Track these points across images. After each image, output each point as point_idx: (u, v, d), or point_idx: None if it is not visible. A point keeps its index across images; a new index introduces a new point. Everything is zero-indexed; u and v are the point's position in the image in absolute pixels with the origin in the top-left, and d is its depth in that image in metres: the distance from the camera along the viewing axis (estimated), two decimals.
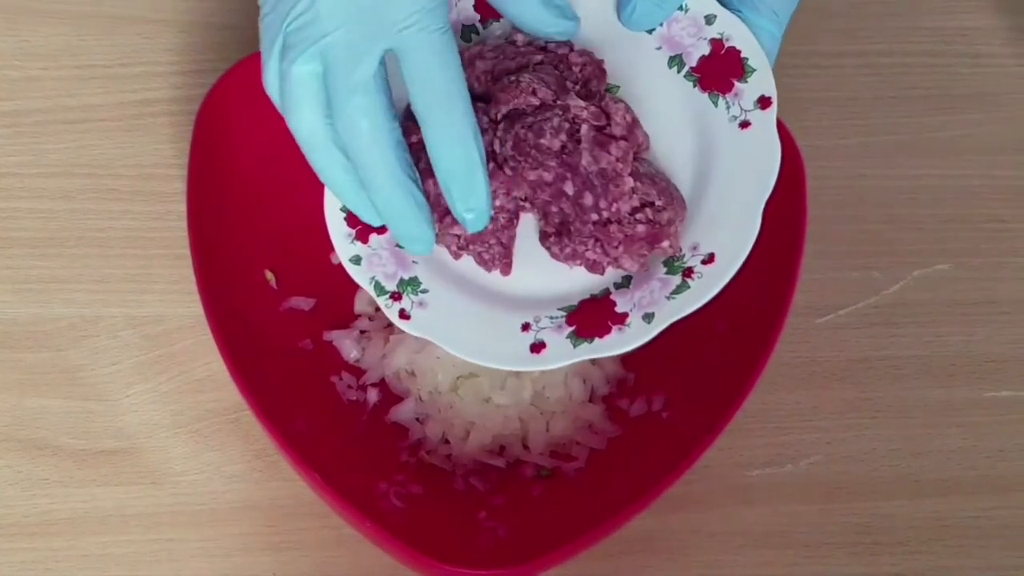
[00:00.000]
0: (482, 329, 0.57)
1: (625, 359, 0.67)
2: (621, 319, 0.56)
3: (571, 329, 0.57)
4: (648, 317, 0.56)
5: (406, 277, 0.58)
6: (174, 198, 0.70)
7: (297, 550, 0.63)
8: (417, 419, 0.65)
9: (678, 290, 0.56)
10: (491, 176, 0.55)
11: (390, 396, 0.66)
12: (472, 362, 0.57)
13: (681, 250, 0.57)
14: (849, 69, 0.79)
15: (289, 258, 0.65)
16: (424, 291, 0.58)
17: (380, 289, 0.58)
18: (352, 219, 0.58)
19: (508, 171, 0.56)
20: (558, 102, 0.56)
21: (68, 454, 0.64)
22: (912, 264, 0.72)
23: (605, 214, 0.56)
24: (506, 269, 0.58)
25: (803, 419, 0.68)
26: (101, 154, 0.72)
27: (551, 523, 0.59)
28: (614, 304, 0.57)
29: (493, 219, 0.56)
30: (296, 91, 0.53)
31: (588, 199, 0.56)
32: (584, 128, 0.55)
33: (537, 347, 0.56)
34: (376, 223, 0.56)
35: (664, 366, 0.65)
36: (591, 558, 0.60)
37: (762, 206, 0.56)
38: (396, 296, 0.58)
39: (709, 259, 0.56)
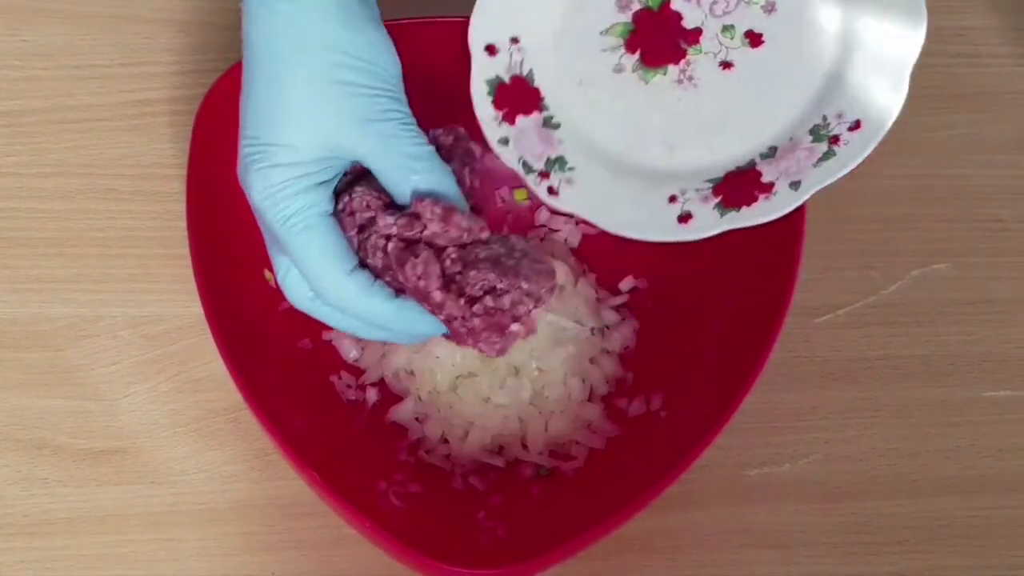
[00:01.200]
0: (629, 203, 0.59)
1: (624, 359, 0.67)
2: (767, 188, 0.58)
3: (717, 200, 0.58)
4: (795, 185, 0.57)
5: (553, 156, 0.60)
6: (174, 198, 0.70)
7: (297, 550, 0.63)
8: (416, 419, 0.65)
9: (825, 157, 0.58)
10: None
11: (389, 396, 0.66)
12: (621, 235, 0.59)
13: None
14: None
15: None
16: (571, 168, 0.60)
17: (528, 168, 0.59)
18: (500, 101, 0.60)
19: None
20: (376, 219, 0.55)
21: (68, 454, 0.64)
22: (910, 264, 0.73)
23: (441, 316, 0.55)
24: (502, 347, 0.56)
25: (801, 419, 0.68)
26: (101, 154, 0.72)
27: (550, 522, 0.59)
28: (760, 174, 0.58)
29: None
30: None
31: (426, 304, 0.55)
32: (391, 246, 0.55)
33: (684, 218, 0.58)
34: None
35: (663, 366, 0.65)
36: (590, 557, 0.60)
37: (909, 69, 0.57)
38: (544, 175, 0.59)
39: (855, 126, 0.58)
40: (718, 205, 0.59)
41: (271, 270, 0.65)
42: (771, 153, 0.59)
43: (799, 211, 0.61)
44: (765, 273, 0.61)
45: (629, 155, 0.61)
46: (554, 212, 0.70)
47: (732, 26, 0.59)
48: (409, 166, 0.54)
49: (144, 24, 0.76)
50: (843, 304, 0.71)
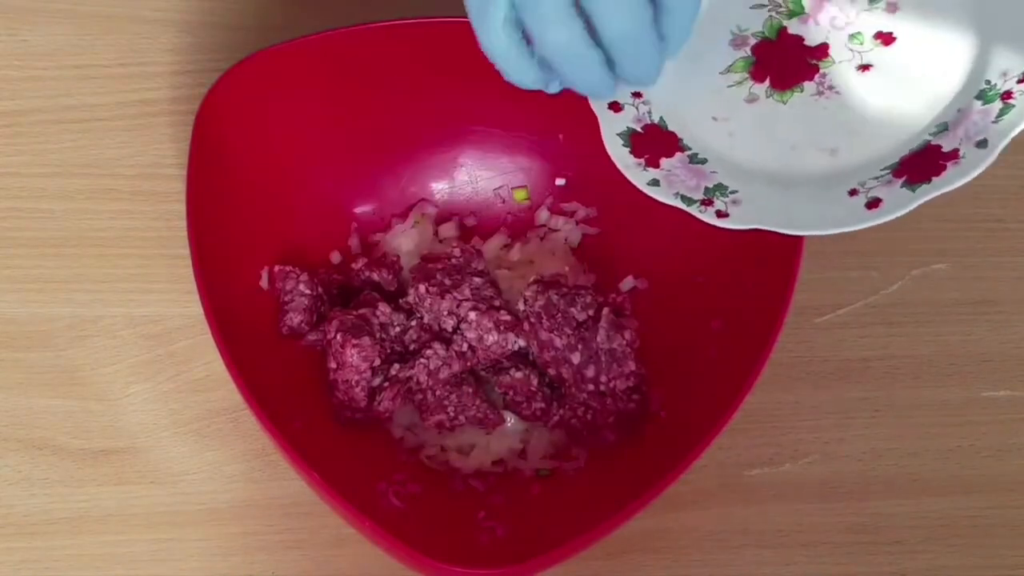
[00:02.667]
0: (808, 207, 0.57)
1: None
2: (953, 156, 0.56)
3: (902, 180, 0.56)
4: (981, 144, 0.56)
5: (711, 185, 0.59)
6: (174, 198, 0.70)
7: (297, 550, 0.63)
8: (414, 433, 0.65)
9: (1002, 112, 0.56)
10: (506, 325, 0.63)
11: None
12: (811, 235, 0.57)
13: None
14: None
15: (289, 258, 0.65)
16: (733, 191, 0.59)
17: (688, 200, 0.58)
18: (637, 149, 0.60)
19: (526, 325, 0.63)
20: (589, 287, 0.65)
21: (68, 454, 0.64)
22: (910, 264, 0.73)
23: (603, 387, 0.62)
24: (498, 418, 0.63)
25: (801, 418, 0.68)
26: (101, 154, 0.72)
27: (550, 523, 0.59)
28: (939, 147, 0.57)
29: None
30: (493, 16, 0.54)
31: (591, 371, 0.62)
32: (605, 310, 0.63)
33: (872, 204, 0.56)
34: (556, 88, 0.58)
35: (663, 366, 0.65)
36: (590, 557, 0.60)
37: None
38: (707, 202, 0.58)
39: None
40: (905, 184, 0.56)
41: (270, 269, 0.65)
42: (942, 129, 0.57)
43: None
44: (765, 273, 0.61)
45: (789, 169, 0.59)
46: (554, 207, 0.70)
47: (859, 32, 0.59)
48: None
49: (144, 24, 0.76)
50: (843, 304, 0.71)
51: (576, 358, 0.62)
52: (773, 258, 0.61)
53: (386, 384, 0.62)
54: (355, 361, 0.62)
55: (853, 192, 0.57)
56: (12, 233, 0.70)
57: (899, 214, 0.56)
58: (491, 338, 0.62)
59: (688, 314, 0.65)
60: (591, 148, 0.69)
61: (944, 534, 0.66)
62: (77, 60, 0.74)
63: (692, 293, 0.66)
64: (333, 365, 0.62)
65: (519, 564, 0.55)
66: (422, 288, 0.63)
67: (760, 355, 0.58)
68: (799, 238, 0.60)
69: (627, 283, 0.68)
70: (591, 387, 0.62)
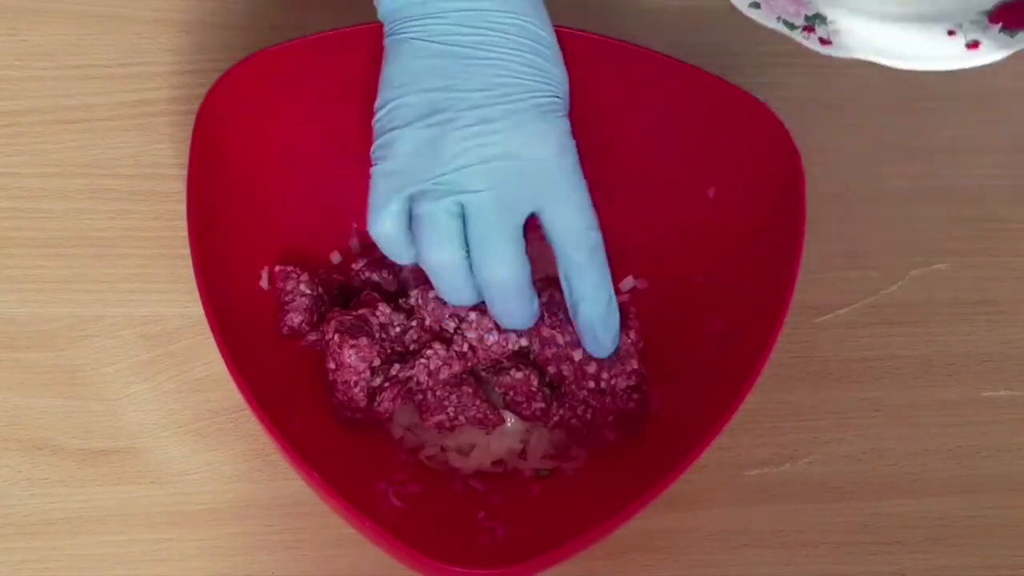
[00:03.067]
0: (908, 42, 0.58)
1: None
2: None
3: (998, 26, 0.56)
4: None
5: (810, 13, 0.59)
6: (174, 198, 0.70)
7: (297, 550, 0.63)
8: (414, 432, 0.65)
9: None
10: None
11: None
12: (908, 68, 0.57)
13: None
14: (848, 69, 0.79)
15: (289, 258, 0.65)
16: (833, 22, 0.58)
17: (791, 26, 0.58)
18: None
19: None
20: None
21: (68, 454, 0.64)
22: (910, 264, 0.73)
23: (603, 384, 0.62)
24: (498, 418, 0.63)
25: (801, 418, 0.68)
26: (100, 154, 0.72)
27: (550, 523, 0.59)
28: None
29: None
30: (439, 228, 0.58)
31: (592, 367, 0.62)
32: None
33: (972, 45, 0.56)
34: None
35: (663, 366, 0.65)
36: (590, 558, 0.60)
37: None
38: (809, 28, 0.58)
39: None
40: (1002, 30, 0.57)
41: (270, 270, 0.65)
42: None
43: (799, 210, 0.61)
44: (765, 273, 0.61)
45: (887, 5, 0.59)
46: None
47: None
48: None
49: (144, 24, 0.76)
50: (843, 304, 0.71)
51: (578, 355, 0.62)
52: (773, 258, 0.61)
53: (386, 385, 0.62)
54: (353, 361, 0.62)
55: (951, 32, 0.57)
56: (12, 233, 0.70)
57: (998, 57, 0.56)
58: (492, 338, 0.62)
59: (688, 314, 0.65)
60: (591, 148, 0.69)
61: (944, 534, 0.66)
62: (77, 60, 0.74)
63: (692, 293, 0.66)
64: (332, 366, 0.62)
65: (519, 564, 0.55)
66: (430, 293, 0.63)
67: (760, 355, 0.58)
68: (800, 238, 0.60)
69: (627, 283, 0.68)
70: (592, 384, 0.62)
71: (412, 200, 0.59)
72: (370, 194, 0.60)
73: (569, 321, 0.62)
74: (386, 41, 0.61)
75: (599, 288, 0.61)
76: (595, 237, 0.60)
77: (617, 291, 0.67)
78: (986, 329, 0.71)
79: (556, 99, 0.61)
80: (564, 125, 0.61)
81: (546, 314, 0.63)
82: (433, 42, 0.59)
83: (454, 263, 0.59)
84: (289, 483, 0.64)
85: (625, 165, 0.68)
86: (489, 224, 0.59)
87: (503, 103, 0.59)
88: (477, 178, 0.58)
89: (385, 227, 0.60)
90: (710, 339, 0.63)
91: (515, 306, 0.61)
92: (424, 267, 0.61)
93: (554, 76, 0.61)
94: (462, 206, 0.58)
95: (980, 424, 0.68)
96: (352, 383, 0.62)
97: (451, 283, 0.60)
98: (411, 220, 0.60)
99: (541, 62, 0.60)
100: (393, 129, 0.59)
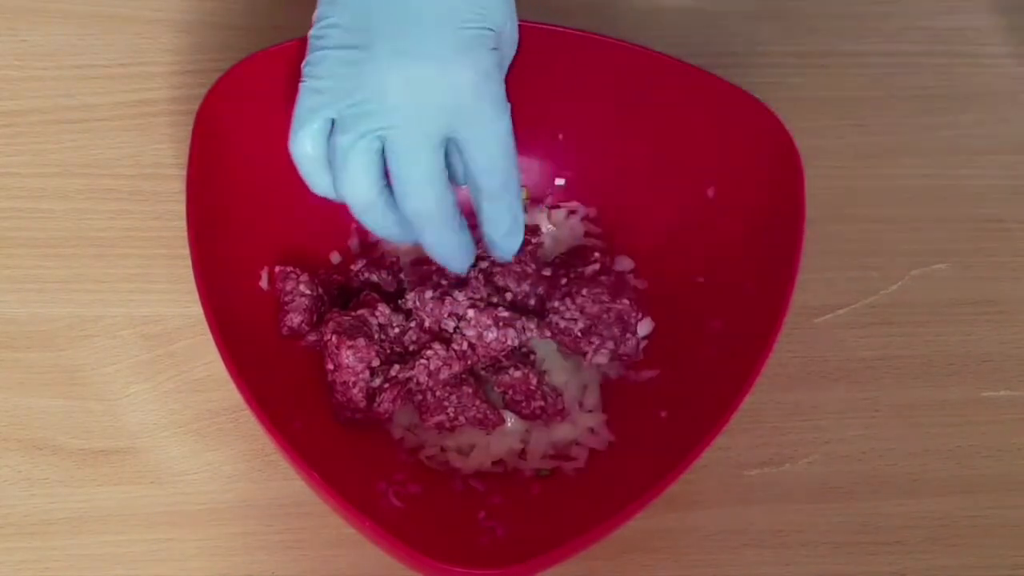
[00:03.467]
0: None
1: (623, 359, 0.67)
2: None
3: None
4: None
5: None
6: (174, 198, 0.70)
7: (297, 550, 0.63)
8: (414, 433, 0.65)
9: None
10: (505, 321, 0.63)
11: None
12: None
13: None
14: (848, 69, 0.79)
15: (289, 258, 0.65)
16: None
17: None
18: None
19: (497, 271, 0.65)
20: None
21: (68, 454, 0.64)
22: (910, 264, 0.73)
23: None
24: (498, 418, 0.63)
25: (801, 419, 0.68)
26: (100, 154, 0.72)
27: (550, 523, 0.59)
28: None
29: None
30: (356, 163, 0.58)
31: (564, 281, 0.66)
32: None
33: None
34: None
35: (663, 365, 0.65)
36: (590, 557, 0.60)
37: None
38: None
39: None
40: None
41: (270, 270, 0.65)
42: None
43: (799, 210, 0.61)
44: (765, 273, 0.61)
45: None
46: (554, 207, 0.70)
47: None
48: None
49: (144, 24, 0.76)
50: (843, 304, 0.71)
51: (548, 271, 0.65)
52: (773, 258, 0.61)
53: (386, 386, 0.62)
54: (351, 362, 0.62)
55: None
56: (12, 233, 0.70)
57: None
58: (491, 335, 0.62)
59: (688, 314, 0.65)
60: (591, 148, 0.69)
61: (944, 534, 0.65)
62: (77, 60, 0.74)
63: (692, 293, 0.66)
64: (331, 367, 0.62)
65: (519, 564, 0.55)
66: (427, 294, 0.63)
67: (760, 355, 0.58)
68: (799, 238, 0.60)
69: (644, 326, 0.68)
70: (563, 282, 0.65)
71: (333, 124, 0.58)
72: (294, 110, 0.59)
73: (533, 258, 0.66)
74: None
75: (503, 216, 0.60)
76: (507, 169, 0.59)
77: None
78: (986, 329, 0.71)
79: (486, 31, 0.59)
80: (490, 57, 0.59)
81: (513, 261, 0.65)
82: None
83: (370, 200, 0.59)
84: (289, 483, 0.64)
85: (625, 165, 0.68)
86: (407, 158, 0.58)
87: (430, 31, 0.58)
88: (394, 107, 0.57)
89: (305, 148, 0.59)
90: (710, 339, 0.63)
91: (445, 236, 0.60)
92: (344, 202, 0.60)
93: (489, 7, 0.59)
94: (381, 139, 0.58)
95: (980, 424, 0.68)
96: (351, 384, 0.62)
97: (372, 220, 0.60)
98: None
99: None
100: (323, 48, 0.59)
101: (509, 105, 0.59)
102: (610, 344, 0.64)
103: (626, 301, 0.65)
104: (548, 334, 0.64)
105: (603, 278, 0.65)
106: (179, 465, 0.65)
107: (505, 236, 0.61)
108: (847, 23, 0.81)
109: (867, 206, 0.74)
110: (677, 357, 0.64)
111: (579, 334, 0.64)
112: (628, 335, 0.64)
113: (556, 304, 0.65)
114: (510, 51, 0.62)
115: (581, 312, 0.64)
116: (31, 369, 0.66)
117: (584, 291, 0.65)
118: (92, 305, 0.68)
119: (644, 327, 0.66)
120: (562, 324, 0.64)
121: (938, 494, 0.66)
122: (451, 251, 0.61)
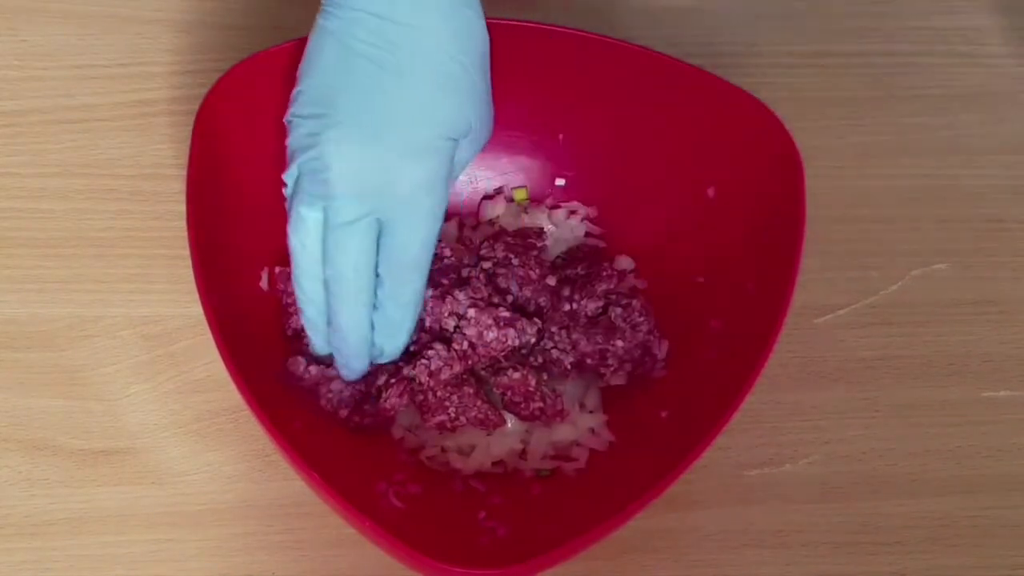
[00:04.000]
0: None
1: None
2: None
3: None
4: None
5: None
6: (174, 198, 0.70)
7: (297, 550, 0.63)
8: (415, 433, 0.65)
9: None
10: (506, 321, 0.63)
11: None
12: None
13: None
14: (848, 69, 0.79)
15: (289, 259, 0.65)
16: None
17: None
18: None
19: (500, 272, 0.65)
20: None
21: (68, 454, 0.64)
22: (910, 264, 0.73)
23: (575, 305, 0.66)
24: (499, 418, 0.63)
25: (801, 419, 0.68)
26: (100, 154, 0.72)
27: (550, 523, 0.59)
28: None
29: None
30: (302, 225, 0.60)
31: (566, 291, 0.66)
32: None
33: None
34: (323, 352, 0.63)
35: (662, 365, 0.65)
36: (590, 557, 0.60)
37: None
38: None
39: None
40: None
41: (271, 270, 0.65)
42: None
43: (799, 210, 0.61)
44: (765, 273, 0.61)
45: None
46: (555, 207, 0.70)
47: None
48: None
49: (144, 24, 0.76)
50: (843, 304, 0.71)
51: (552, 280, 0.65)
52: (773, 258, 0.61)
53: (392, 381, 0.62)
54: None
55: None
56: (12, 233, 0.70)
57: None
58: (491, 335, 0.62)
59: (688, 314, 0.65)
60: (591, 148, 0.69)
61: (944, 534, 0.65)
62: (77, 60, 0.74)
63: (692, 293, 0.66)
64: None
65: (519, 564, 0.55)
66: (428, 293, 0.63)
67: (760, 355, 0.58)
68: (799, 238, 0.60)
69: (627, 283, 0.68)
70: (566, 307, 0.65)
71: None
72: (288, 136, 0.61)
73: (539, 263, 0.66)
74: (319, 14, 0.60)
75: (394, 310, 0.61)
76: (419, 276, 0.61)
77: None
78: (986, 329, 0.71)
79: (445, 140, 0.60)
80: (437, 164, 0.60)
81: (512, 257, 0.65)
82: (356, 41, 0.59)
83: (311, 258, 0.60)
84: (289, 483, 0.64)
85: (625, 165, 0.68)
86: (339, 233, 0.59)
87: (385, 129, 0.58)
88: (337, 183, 0.58)
89: (288, 181, 0.61)
90: (710, 339, 0.63)
91: (354, 310, 0.60)
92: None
93: (454, 118, 0.60)
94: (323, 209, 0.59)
95: (980, 424, 0.68)
96: (337, 391, 0.62)
97: (300, 269, 0.61)
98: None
99: (444, 96, 0.59)
100: (296, 107, 0.60)
101: (444, 212, 0.61)
102: (628, 367, 0.64)
103: (646, 329, 0.65)
104: (540, 360, 0.64)
105: (615, 310, 0.65)
106: (179, 465, 0.65)
107: (388, 329, 0.61)
108: (847, 23, 0.81)
109: (867, 206, 0.74)
110: (677, 357, 0.64)
111: (568, 367, 0.64)
112: (647, 359, 0.65)
113: (553, 329, 0.64)
114: (483, 136, 0.62)
115: (573, 348, 0.64)
116: (31, 369, 0.66)
117: (580, 329, 0.65)
118: (92, 305, 0.68)
119: (663, 349, 0.66)
120: (554, 354, 0.64)
121: (938, 494, 0.66)
122: (353, 327, 0.61)
